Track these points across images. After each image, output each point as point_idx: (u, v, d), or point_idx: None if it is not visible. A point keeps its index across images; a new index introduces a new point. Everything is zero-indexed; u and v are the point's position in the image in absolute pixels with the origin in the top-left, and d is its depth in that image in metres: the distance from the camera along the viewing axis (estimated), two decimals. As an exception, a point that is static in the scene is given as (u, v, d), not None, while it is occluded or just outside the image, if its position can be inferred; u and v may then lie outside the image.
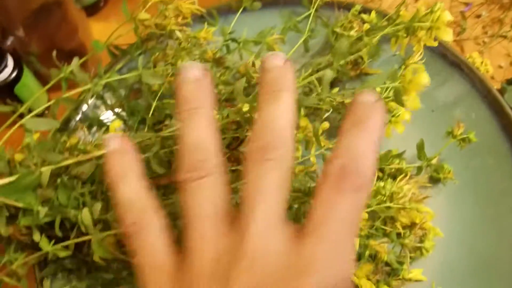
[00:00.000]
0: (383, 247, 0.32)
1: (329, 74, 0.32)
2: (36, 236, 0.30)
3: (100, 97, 0.39)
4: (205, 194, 0.22)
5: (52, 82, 0.35)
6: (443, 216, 0.37)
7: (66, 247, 0.30)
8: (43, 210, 0.28)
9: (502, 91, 0.43)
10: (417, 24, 0.33)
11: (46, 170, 0.28)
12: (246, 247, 0.21)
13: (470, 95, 0.40)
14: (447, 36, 0.33)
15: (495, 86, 0.40)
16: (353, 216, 0.21)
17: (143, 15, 0.36)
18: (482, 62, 0.44)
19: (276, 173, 0.22)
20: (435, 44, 0.35)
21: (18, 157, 0.30)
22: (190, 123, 0.23)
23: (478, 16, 0.51)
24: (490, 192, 0.38)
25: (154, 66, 0.38)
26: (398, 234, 0.33)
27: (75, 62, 0.34)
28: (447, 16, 0.33)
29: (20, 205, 0.28)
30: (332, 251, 0.20)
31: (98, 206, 0.28)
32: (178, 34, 0.38)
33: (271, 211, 0.21)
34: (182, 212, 0.23)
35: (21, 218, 0.28)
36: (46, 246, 0.29)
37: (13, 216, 0.30)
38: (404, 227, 0.33)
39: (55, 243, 0.34)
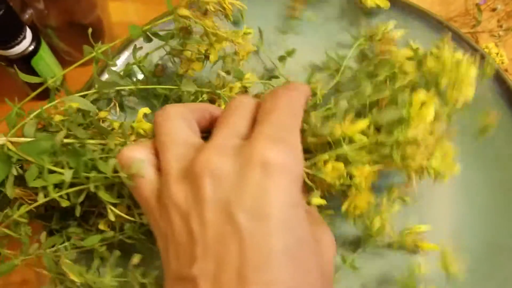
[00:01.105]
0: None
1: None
2: (41, 197, 0.30)
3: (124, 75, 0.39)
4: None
5: (84, 59, 0.35)
6: (455, 204, 0.37)
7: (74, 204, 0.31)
8: (68, 173, 0.28)
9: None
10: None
11: (59, 137, 0.30)
12: (209, 146, 0.25)
13: (484, 85, 0.41)
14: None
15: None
16: (293, 104, 0.28)
17: (183, 11, 0.35)
18: (497, 53, 0.45)
19: (241, 113, 0.28)
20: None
21: (57, 117, 0.32)
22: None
23: (494, 10, 0.52)
24: (503, 181, 0.38)
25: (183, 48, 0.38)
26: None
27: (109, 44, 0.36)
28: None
29: (31, 159, 0.29)
30: (276, 127, 0.26)
31: (112, 161, 0.29)
32: (219, 32, 0.37)
33: (232, 130, 0.27)
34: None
35: (30, 176, 0.29)
36: (52, 192, 0.30)
37: (21, 177, 0.31)
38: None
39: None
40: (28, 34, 0.40)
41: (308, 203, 0.29)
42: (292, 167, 0.24)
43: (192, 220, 0.24)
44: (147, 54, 0.39)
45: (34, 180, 0.30)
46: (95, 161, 0.30)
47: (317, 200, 0.29)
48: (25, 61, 0.42)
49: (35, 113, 0.31)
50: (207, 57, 0.38)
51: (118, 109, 0.39)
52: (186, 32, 0.36)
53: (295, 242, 0.23)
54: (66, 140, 0.31)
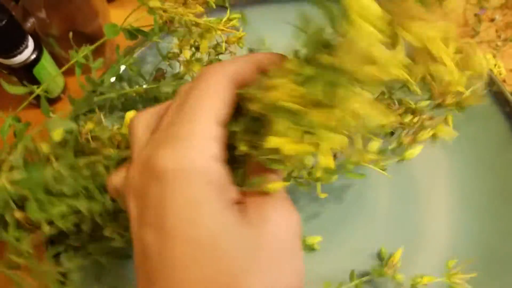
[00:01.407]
0: None
1: None
2: (45, 228, 0.30)
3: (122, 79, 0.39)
4: None
5: (68, 65, 0.36)
6: (452, 210, 0.38)
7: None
8: (81, 204, 0.29)
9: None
10: None
11: (49, 173, 0.30)
12: (135, 160, 0.24)
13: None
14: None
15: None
16: (211, 83, 0.23)
17: (154, 2, 0.36)
18: (495, 65, 0.45)
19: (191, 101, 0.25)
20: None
21: (45, 147, 0.32)
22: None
23: (492, 20, 0.52)
24: (499, 188, 0.39)
25: (180, 51, 0.38)
26: None
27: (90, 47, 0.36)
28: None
29: (27, 195, 0.29)
30: (174, 120, 0.23)
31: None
32: (197, 20, 0.37)
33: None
34: None
35: (30, 210, 0.29)
36: (58, 222, 0.30)
37: (20, 207, 0.31)
38: None
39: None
40: (30, 43, 0.41)
41: (268, 190, 0.24)
42: (188, 163, 0.22)
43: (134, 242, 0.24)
44: (133, 52, 0.39)
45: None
46: (90, 192, 0.30)
47: (274, 186, 0.23)
48: (27, 70, 0.42)
49: (22, 142, 0.31)
50: (197, 49, 0.38)
51: (102, 117, 0.39)
52: (171, 25, 0.36)
53: (207, 241, 0.21)
54: (56, 167, 0.31)
